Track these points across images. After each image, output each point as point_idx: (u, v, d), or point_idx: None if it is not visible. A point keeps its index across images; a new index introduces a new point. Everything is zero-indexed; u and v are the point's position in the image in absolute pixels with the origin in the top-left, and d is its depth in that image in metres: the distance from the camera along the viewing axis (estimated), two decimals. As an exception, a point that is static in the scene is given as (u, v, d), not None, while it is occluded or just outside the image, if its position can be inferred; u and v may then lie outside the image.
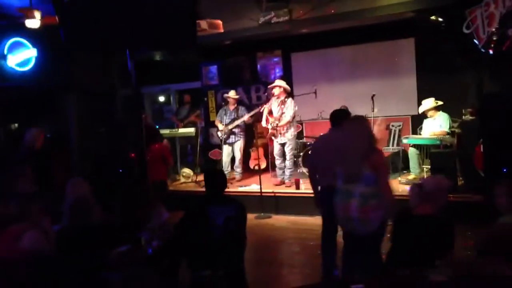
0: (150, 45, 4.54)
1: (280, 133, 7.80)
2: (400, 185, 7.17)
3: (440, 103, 7.13)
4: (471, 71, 7.19)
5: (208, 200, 4.01)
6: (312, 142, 8.32)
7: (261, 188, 7.32)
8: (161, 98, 12.04)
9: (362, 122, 3.90)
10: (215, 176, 4.11)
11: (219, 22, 6.10)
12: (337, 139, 4.06)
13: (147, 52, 7.26)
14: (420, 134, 7.51)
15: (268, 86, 8.18)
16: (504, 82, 6.50)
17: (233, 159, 8.76)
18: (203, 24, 5.95)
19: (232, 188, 7.68)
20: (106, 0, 4.10)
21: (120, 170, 6.88)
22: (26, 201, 3.58)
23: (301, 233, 6.53)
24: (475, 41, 6.05)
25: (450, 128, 6.97)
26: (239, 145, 8.59)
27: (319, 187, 4.61)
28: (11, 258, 2.93)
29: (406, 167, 7.68)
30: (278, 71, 9.74)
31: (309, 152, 4.93)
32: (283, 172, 7.96)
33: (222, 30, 6.17)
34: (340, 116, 4.61)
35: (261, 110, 8.04)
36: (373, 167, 3.49)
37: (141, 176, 4.58)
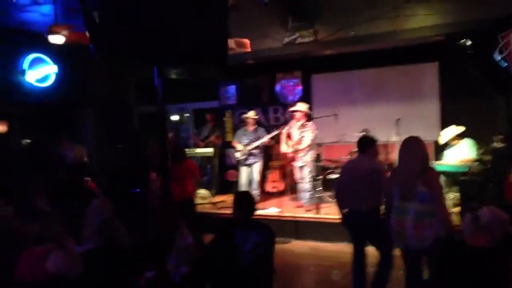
0: (180, 62, 4.42)
1: (299, 157, 7.66)
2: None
3: (461, 129, 6.90)
4: (499, 96, 7.02)
5: (236, 223, 3.84)
6: (331, 165, 8.25)
7: (281, 212, 7.12)
8: (176, 117, 11.95)
9: (418, 142, 3.99)
10: (245, 198, 3.95)
11: (247, 41, 5.99)
12: (360, 165, 4.59)
13: (176, 68, 7.19)
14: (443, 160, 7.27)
15: (289, 109, 8.06)
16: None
17: (249, 182, 8.58)
18: (231, 42, 5.85)
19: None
20: (136, 14, 4.02)
21: (138, 190, 6.72)
22: (48, 220, 3.44)
23: (323, 260, 6.31)
24: (506, 65, 5.92)
25: (478, 155, 6.74)
26: (257, 167, 8.41)
27: (345, 210, 4.71)
28: (35, 279, 2.77)
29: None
30: (297, 92, 9.61)
31: (339, 176, 4.90)
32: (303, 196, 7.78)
33: (249, 49, 6.07)
34: (367, 143, 4.76)
35: (282, 131, 7.90)
36: (427, 185, 3.69)
37: (166, 196, 4.40)
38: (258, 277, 3.69)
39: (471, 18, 6.33)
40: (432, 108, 8.39)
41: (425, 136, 8.25)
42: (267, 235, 3.85)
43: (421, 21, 6.80)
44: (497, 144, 6.59)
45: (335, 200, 4.89)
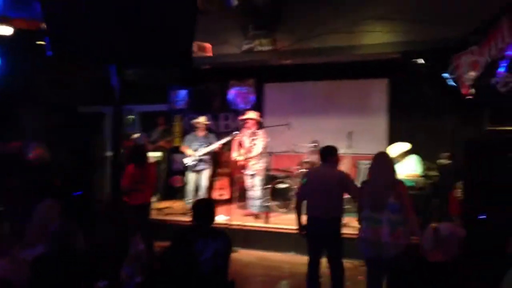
0: (143, 62, 4.21)
1: (250, 165, 7.60)
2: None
3: (408, 146, 7.08)
4: (447, 115, 7.30)
5: (195, 231, 3.69)
6: (280, 175, 8.24)
7: (229, 220, 7.00)
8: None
9: (388, 157, 4.40)
10: (206, 206, 3.82)
11: (209, 45, 5.86)
12: (326, 174, 4.76)
13: (138, 68, 6.92)
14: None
15: (240, 118, 7.98)
16: (478, 128, 6.65)
17: (196, 188, 8.39)
18: (193, 46, 5.67)
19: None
20: (98, 9, 3.79)
21: (81, 192, 6.35)
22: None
23: (271, 270, 6.26)
24: (455, 86, 6.14)
25: (424, 170, 6.96)
26: (206, 173, 8.24)
27: (307, 217, 4.77)
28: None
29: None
30: (250, 101, 9.56)
31: (303, 184, 4.97)
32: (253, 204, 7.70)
33: (211, 54, 5.92)
34: (330, 152, 4.87)
35: (234, 139, 7.80)
36: (398, 197, 4.00)
37: (117, 201, 4.15)
38: (217, 286, 3.57)
39: (426, 38, 6.55)
40: (381, 123, 8.61)
41: (373, 150, 8.48)
42: (225, 244, 3.77)
43: (379, 38, 6.97)
44: (443, 161, 6.84)
45: (295, 208, 4.93)
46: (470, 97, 5.95)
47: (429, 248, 3.08)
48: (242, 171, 7.77)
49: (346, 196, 4.80)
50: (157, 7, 3.84)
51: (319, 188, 4.68)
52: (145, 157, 6.32)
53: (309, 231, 4.74)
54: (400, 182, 4.20)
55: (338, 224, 4.63)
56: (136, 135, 9.11)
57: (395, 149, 7.09)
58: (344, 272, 4.70)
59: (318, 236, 4.67)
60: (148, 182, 6.13)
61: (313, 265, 4.74)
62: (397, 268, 3.57)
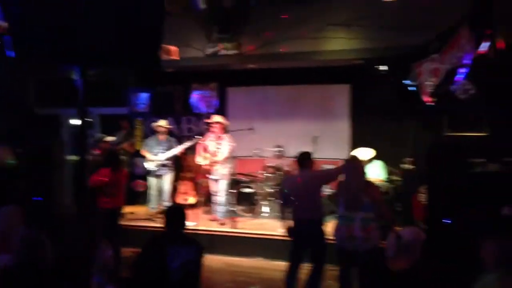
0: (108, 63, 4.08)
1: (215, 169, 7.52)
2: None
3: (373, 153, 7.23)
4: (409, 121, 7.48)
5: (166, 239, 3.61)
6: (245, 179, 8.23)
7: (196, 225, 6.91)
8: (77, 122, 11.16)
9: (359, 161, 4.69)
10: (177, 213, 3.74)
11: (175, 49, 5.75)
12: (307, 178, 5.01)
13: (103, 69, 6.73)
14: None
15: (207, 121, 7.87)
16: (438, 134, 6.86)
17: (159, 193, 8.24)
18: (158, 49, 5.55)
19: (161, 224, 7.15)
20: (62, 8, 3.65)
21: (40, 198, 6.11)
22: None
23: (239, 276, 6.20)
24: (416, 92, 6.32)
25: (387, 175, 7.10)
26: (168, 178, 8.10)
27: (293, 221, 4.97)
28: None
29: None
30: (213, 104, 9.49)
31: (284, 188, 5.21)
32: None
33: (178, 58, 5.82)
34: (307, 157, 5.15)
35: (199, 142, 7.70)
36: (370, 196, 4.35)
37: (84, 206, 4.00)
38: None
39: (389, 45, 6.71)
40: (343, 128, 8.74)
41: (335, 155, 8.72)
42: (197, 251, 3.71)
43: (342, 44, 7.08)
44: (406, 166, 7.00)
45: (279, 213, 5.18)
46: (431, 103, 6.15)
47: (392, 255, 3.10)
48: (207, 175, 7.66)
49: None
50: (124, 8, 3.77)
51: (303, 193, 4.92)
52: (120, 161, 6.23)
53: (297, 233, 4.94)
54: (371, 183, 4.60)
55: (322, 224, 4.91)
56: (110, 138, 8.86)
57: (361, 154, 7.21)
58: (323, 273, 4.88)
59: (306, 236, 4.88)
60: (120, 186, 6.05)
61: (294, 267, 4.95)
62: (369, 263, 4.09)
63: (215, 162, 7.47)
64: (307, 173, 5.06)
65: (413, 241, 3.13)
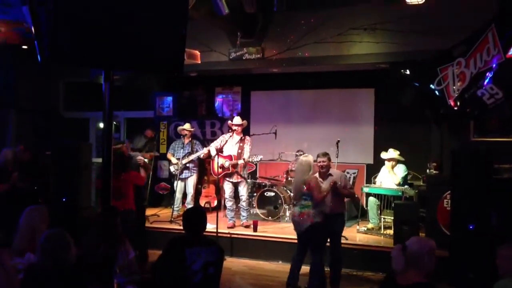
0: (133, 67, 4.16)
1: (236, 172, 7.48)
2: (358, 234, 7.08)
3: (393, 154, 7.16)
4: (434, 125, 7.38)
5: (186, 241, 3.64)
6: (267, 183, 8.21)
7: (217, 228, 6.92)
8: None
9: (303, 161, 5.49)
10: (197, 215, 3.77)
11: (197, 53, 5.82)
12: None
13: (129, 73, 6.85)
14: (374, 183, 7.48)
15: (230, 123, 7.80)
16: (464, 139, 6.74)
17: (184, 195, 8.30)
18: (182, 53, 5.62)
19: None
20: (89, 14, 3.74)
21: (64, 199, 6.23)
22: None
23: (260, 279, 6.20)
24: (442, 96, 6.22)
25: (405, 179, 7.01)
26: (192, 180, 8.16)
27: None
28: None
29: (361, 215, 7.57)
30: (236, 108, 9.55)
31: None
32: (234, 215, 7.61)
33: (199, 62, 5.88)
34: None
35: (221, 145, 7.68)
36: (308, 188, 5.28)
37: (107, 208, 4.07)
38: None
39: (414, 49, 6.65)
40: (367, 132, 8.67)
41: (359, 159, 8.67)
42: (217, 254, 3.72)
43: (366, 48, 7.04)
44: (431, 171, 6.90)
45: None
46: (456, 108, 6.04)
47: (401, 269, 2.92)
48: (227, 178, 7.59)
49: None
50: (149, 13, 3.84)
51: None
52: (126, 164, 6.17)
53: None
54: (310, 180, 5.33)
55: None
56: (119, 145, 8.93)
57: (392, 153, 7.14)
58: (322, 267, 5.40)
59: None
60: (127, 189, 5.89)
61: (300, 253, 5.61)
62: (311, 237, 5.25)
63: (239, 164, 7.41)
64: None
65: (420, 250, 2.92)
